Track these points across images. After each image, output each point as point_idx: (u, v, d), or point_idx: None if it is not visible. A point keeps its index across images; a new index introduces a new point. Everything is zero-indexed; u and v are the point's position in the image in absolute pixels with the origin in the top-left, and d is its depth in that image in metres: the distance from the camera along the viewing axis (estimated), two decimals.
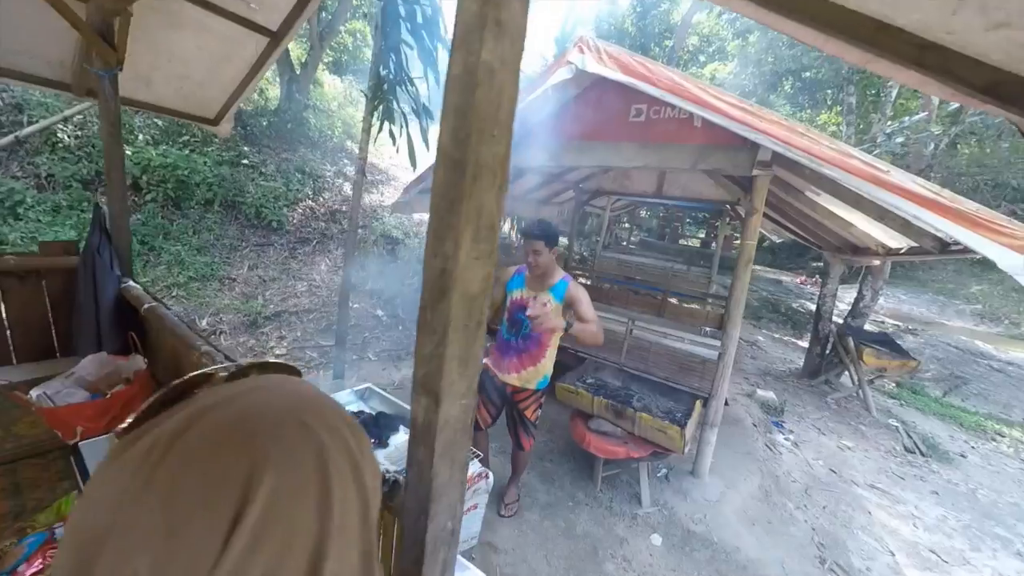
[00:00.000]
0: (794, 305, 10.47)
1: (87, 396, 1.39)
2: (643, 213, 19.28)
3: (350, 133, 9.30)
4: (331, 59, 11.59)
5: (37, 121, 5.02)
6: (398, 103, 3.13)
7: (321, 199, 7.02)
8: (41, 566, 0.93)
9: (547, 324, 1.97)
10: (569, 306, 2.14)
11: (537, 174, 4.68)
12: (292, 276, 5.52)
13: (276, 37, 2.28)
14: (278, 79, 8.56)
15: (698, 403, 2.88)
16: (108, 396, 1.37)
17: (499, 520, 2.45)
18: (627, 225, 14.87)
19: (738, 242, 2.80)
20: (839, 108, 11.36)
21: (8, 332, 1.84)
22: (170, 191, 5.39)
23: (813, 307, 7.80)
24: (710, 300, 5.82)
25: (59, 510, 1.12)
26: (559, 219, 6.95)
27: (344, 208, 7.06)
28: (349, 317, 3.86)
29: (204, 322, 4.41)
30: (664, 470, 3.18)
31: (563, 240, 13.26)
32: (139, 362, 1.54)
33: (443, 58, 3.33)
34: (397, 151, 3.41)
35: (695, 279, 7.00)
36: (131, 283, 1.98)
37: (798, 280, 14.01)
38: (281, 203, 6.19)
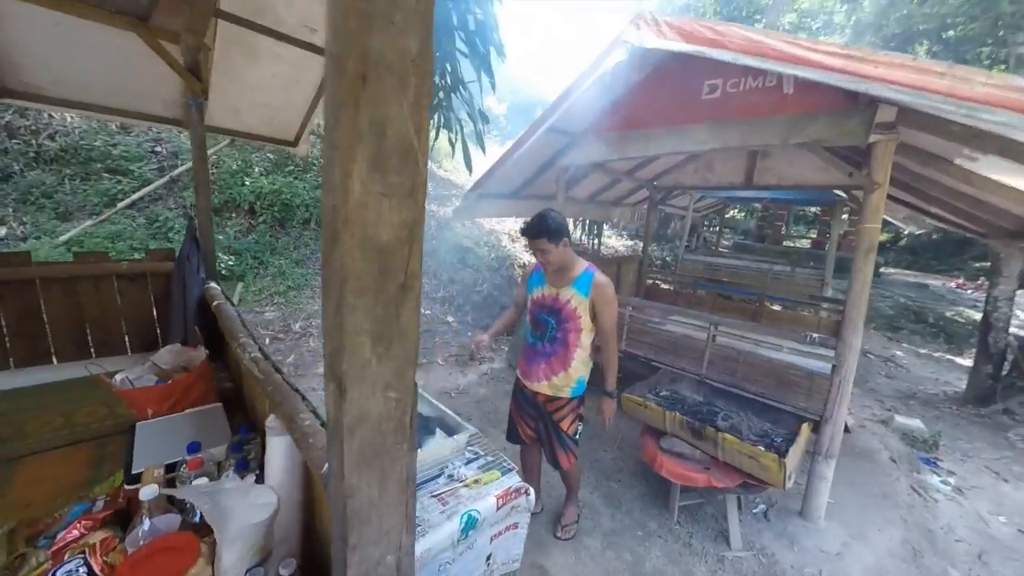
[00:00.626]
0: (948, 314, 8.41)
1: (156, 381, 1.53)
2: (736, 213, 17.42)
3: (431, 156, 9.93)
4: None
5: (184, 164, 6.16)
6: (453, 110, 3.16)
7: None
8: (78, 534, 0.98)
9: (610, 416, 2.00)
10: (594, 303, 1.85)
11: (604, 173, 4.39)
12: None
13: None
14: None
15: (805, 427, 2.34)
16: (170, 382, 1.49)
17: (554, 542, 2.21)
18: (715, 228, 13.52)
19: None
20: (1002, 67, 9.04)
21: (123, 325, 2.16)
22: (276, 213, 6.20)
23: (977, 315, 6.16)
24: (824, 305, 4.90)
25: (112, 484, 1.21)
26: (635, 219, 6.51)
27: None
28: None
29: (297, 325, 4.90)
30: (762, 506, 2.64)
31: (628, 242, 12.45)
32: (202, 353, 1.67)
33: (497, 63, 3.30)
34: (453, 155, 3.44)
35: (803, 282, 5.99)
36: (212, 284, 2.20)
37: (953, 284, 11.35)
38: None
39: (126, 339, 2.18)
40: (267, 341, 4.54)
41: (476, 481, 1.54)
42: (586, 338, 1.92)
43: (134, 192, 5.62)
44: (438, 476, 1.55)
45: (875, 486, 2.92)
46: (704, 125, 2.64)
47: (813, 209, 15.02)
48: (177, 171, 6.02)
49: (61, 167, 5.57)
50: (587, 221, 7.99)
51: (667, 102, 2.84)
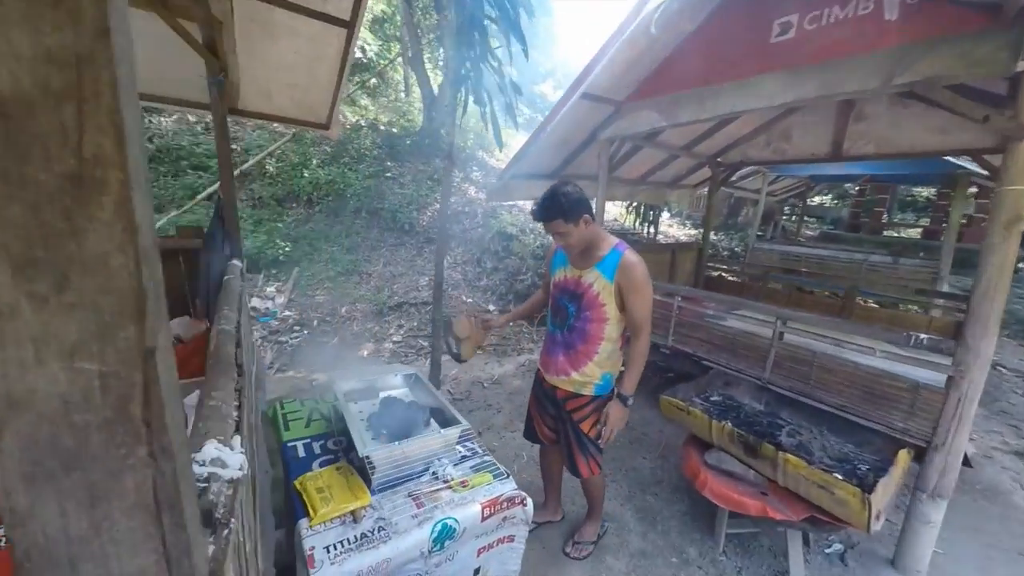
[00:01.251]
0: None
1: None
2: (824, 200, 15.34)
3: (482, 145, 9.85)
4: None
5: (253, 157, 6.64)
6: (479, 82, 2.93)
7: (448, 202, 7.51)
8: None
9: (617, 427, 1.68)
10: (621, 288, 1.54)
11: (657, 148, 3.92)
12: (417, 271, 5.97)
13: (350, 26, 2.33)
14: (421, 104, 9.61)
15: (903, 454, 1.82)
16: None
17: (568, 561, 1.95)
18: (795, 216, 11.98)
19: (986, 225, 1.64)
20: None
21: None
22: (331, 203, 6.48)
23: None
24: (938, 301, 4.02)
25: None
26: (699, 206, 5.87)
27: (467, 209, 7.40)
28: (443, 309, 3.83)
29: (344, 309, 5.06)
30: (838, 546, 2.14)
31: (691, 231, 11.44)
32: (202, 326, 1.64)
33: (527, 26, 3.02)
34: (486, 129, 3.22)
35: (909, 275, 5.00)
36: (234, 262, 2.22)
37: None
38: (412, 207, 6.82)
39: None
40: (315, 323, 4.73)
41: (463, 484, 1.33)
42: (613, 329, 1.63)
43: (211, 186, 6.15)
44: (422, 473, 1.36)
45: (1006, 537, 2.25)
46: (774, 75, 2.15)
47: (925, 193, 12.79)
48: (246, 165, 6.50)
49: (157, 165, 6.26)
50: (642, 206, 7.38)
51: (727, 52, 2.37)
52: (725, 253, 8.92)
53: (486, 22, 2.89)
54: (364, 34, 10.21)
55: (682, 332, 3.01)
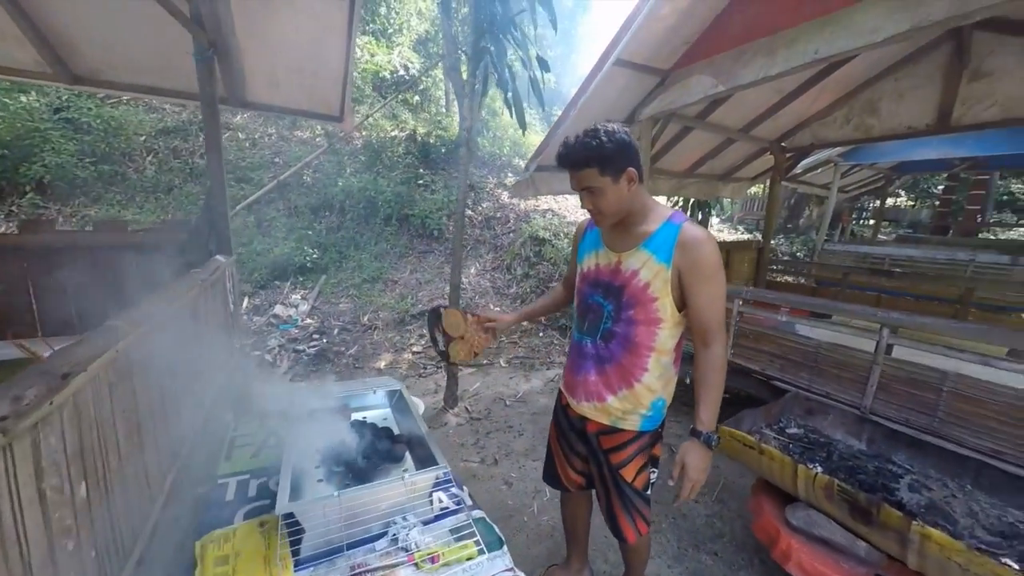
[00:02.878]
0: None
1: None
2: (900, 200, 13.70)
3: (518, 152, 9.62)
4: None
5: (291, 167, 6.75)
6: (501, 58, 2.59)
7: (480, 208, 7.26)
8: None
9: (699, 480, 1.19)
10: (682, 275, 1.09)
11: (708, 131, 3.39)
12: (443, 279, 5.69)
13: None
14: (458, 114, 9.56)
15: None
16: None
17: None
18: (864, 218, 10.65)
19: None
20: None
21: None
22: (362, 210, 6.41)
23: None
24: None
25: None
26: (754, 208, 5.20)
27: (499, 215, 7.11)
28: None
29: (365, 317, 4.86)
30: None
31: (744, 236, 10.44)
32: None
33: None
34: (511, 113, 2.87)
35: None
36: (218, 257, 1.98)
37: None
38: (442, 214, 6.61)
39: None
40: (335, 332, 4.55)
41: (432, 559, 0.92)
42: (667, 335, 1.16)
43: (251, 195, 6.27)
44: (378, 537, 0.97)
45: None
46: (881, 3, 1.62)
47: None
48: (284, 175, 6.60)
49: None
50: (689, 204, 6.72)
51: None
52: (786, 258, 7.97)
53: None
54: (407, 53, 10.43)
55: (745, 344, 2.44)
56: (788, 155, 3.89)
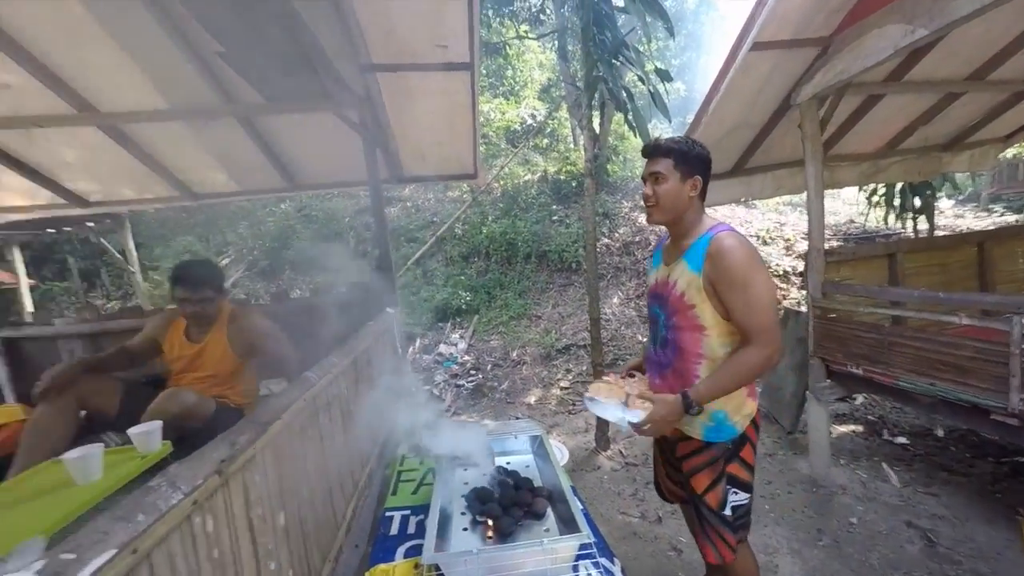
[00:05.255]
0: None
1: None
2: None
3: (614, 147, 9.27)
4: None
5: (445, 223, 7.86)
6: (615, 82, 2.51)
7: (616, 235, 7.05)
8: None
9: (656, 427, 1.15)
10: (712, 282, 1.12)
11: (909, 90, 2.55)
12: (585, 311, 5.59)
13: (471, 68, 2.34)
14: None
15: None
16: None
17: None
18: None
19: None
20: None
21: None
22: (504, 252, 6.95)
23: None
24: None
25: None
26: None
27: (637, 239, 6.76)
28: (602, 350, 3.26)
29: (514, 353, 5.09)
30: None
31: (1001, 219, 7.36)
32: None
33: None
34: (634, 132, 2.74)
35: None
36: (388, 310, 2.36)
37: None
38: (578, 246, 6.62)
39: None
40: (488, 368, 4.89)
41: None
42: (714, 342, 1.16)
43: (416, 253, 7.50)
44: None
45: None
46: None
47: None
48: (440, 231, 7.71)
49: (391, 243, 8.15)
50: (895, 191, 5.12)
51: None
52: None
53: (614, 12, 2.52)
54: (533, 103, 11.35)
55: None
56: None
